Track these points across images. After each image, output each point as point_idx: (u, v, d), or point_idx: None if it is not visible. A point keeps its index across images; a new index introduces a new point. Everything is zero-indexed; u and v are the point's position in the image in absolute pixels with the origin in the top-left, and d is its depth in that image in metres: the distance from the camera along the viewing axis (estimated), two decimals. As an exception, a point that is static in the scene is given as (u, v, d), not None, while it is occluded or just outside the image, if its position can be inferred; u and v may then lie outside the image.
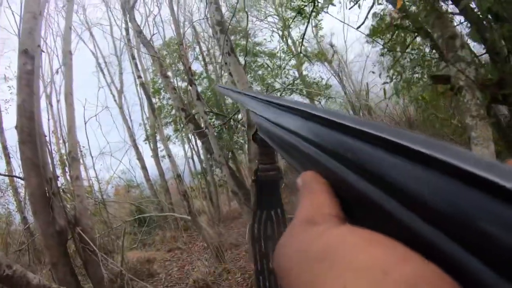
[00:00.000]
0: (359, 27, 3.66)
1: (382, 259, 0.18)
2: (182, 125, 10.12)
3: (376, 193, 0.19)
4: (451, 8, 3.07)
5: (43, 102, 7.60)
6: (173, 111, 10.95)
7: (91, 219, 4.08)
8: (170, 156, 7.41)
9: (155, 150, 12.20)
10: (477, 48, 3.33)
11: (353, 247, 0.19)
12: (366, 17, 3.62)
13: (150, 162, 12.36)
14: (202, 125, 6.75)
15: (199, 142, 10.20)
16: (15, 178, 7.74)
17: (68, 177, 5.43)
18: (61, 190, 3.62)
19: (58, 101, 9.49)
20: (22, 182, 5.22)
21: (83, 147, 9.83)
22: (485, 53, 3.08)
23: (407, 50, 3.89)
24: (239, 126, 9.83)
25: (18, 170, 7.29)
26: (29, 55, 3.32)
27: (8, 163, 8.68)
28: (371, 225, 0.20)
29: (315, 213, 0.24)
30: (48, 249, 3.15)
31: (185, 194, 6.57)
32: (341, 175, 0.23)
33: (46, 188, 3.08)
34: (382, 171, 0.19)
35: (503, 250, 0.12)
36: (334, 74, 13.51)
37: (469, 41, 2.91)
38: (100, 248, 4.29)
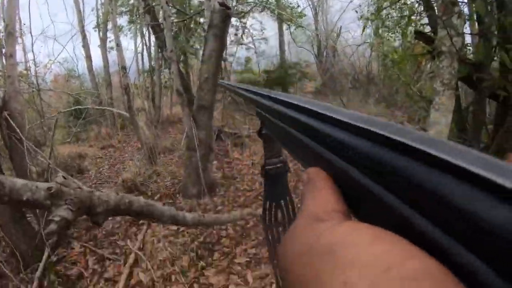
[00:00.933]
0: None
1: (385, 255, 0.18)
2: (138, 16, 9.34)
3: (379, 190, 0.20)
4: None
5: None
6: (132, 0, 9.96)
7: (22, 105, 3.66)
8: (118, 45, 6.81)
9: (103, 40, 11.24)
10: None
11: (356, 244, 0.19)
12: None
13: (96, 53, 11.50)
14: (160, 20, 6.26)
15: (152, 38, 9.55)
16: None
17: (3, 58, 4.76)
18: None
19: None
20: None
21: (24, 24, 8.71)
22: (476, 34, 3.03)
23: (397, 3, 3.71)
24: (198, 30, 9.29)
25: None
26: None
27: None
28: (374, 220, 0.20)
29: (320, 209, 0.24)
30: None
31: (127, 88, 6.19)
32: (345, 171, 0.23)
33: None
34: (384, 168, 0.19)
35: (500, 248, 0.13)
36: (311, 6, 12.91)
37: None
38: (30, 138, 3.95)
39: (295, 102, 0.34)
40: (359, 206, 0.24)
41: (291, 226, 0.26)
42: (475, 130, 3.29)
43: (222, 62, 7.57)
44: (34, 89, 6.75)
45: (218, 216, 3.41)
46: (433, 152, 0.16)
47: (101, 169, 7.29)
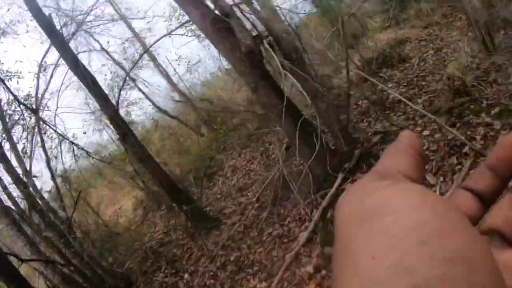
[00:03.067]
0: None
1: (425, 227, 0.17)
2: None
3: None
4: None
5: None
6: None
7: (286, 30, 3.21)
8: None
9: None
10: None
11: (400, 209, 0.19)
12: None
13: None
14: None
15: None
16: None
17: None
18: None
19: None
20: None
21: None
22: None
23: None
24: None
25: None
26: None
27: None
28: None
29: (388, 168, 0.24)
30: (242, 76, 2.77)
31: None
32: None
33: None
34: None
35: None
36: None
37: None
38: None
39: None
40: None
41: (356, 182, 0.25)
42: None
43: None
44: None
45: None
46: None
47: (424, 55, 6.19)
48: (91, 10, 7.49)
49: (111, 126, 6.56)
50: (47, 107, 7.17)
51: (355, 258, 0.18)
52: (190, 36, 9.17)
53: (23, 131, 6.57)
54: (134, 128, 8.04)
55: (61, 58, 6.29)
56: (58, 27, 5.85)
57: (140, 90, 10.23)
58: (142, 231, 7.68)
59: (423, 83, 5.04)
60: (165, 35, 6.84)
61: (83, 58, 6.92)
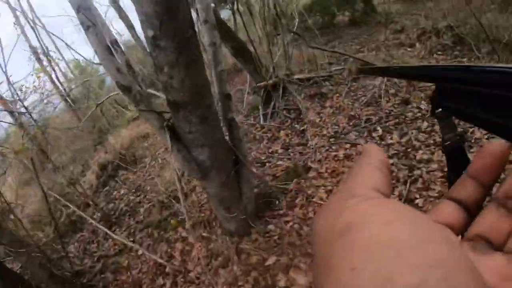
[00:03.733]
0: None
1: (401, 238, 0.18)
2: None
3: None
4: None
5: None
6: None
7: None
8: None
9: None
10: None
11: (373, 223, 0.19)
12: None
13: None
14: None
15: None
16: None
17: None
18: None
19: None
20: None
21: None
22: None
23: None
24: None
25: None
26: None
27: None
28: None
29: (358, 185, 0.24)
30: None
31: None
32: None
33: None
34: None
35: None
36: None
37: None
38: None
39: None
40: None
41: (329, 198, 0.25)
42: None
43: None
44: None
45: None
46: None
47: (157, 153, 6.48)
48: None
49: None
50: None
51: (336, 272, 0.19)
52: None
53: None
54: None
55: None
56: None
57: None
58: None
59: (149, 188, 5.23)
60: None
61: None
